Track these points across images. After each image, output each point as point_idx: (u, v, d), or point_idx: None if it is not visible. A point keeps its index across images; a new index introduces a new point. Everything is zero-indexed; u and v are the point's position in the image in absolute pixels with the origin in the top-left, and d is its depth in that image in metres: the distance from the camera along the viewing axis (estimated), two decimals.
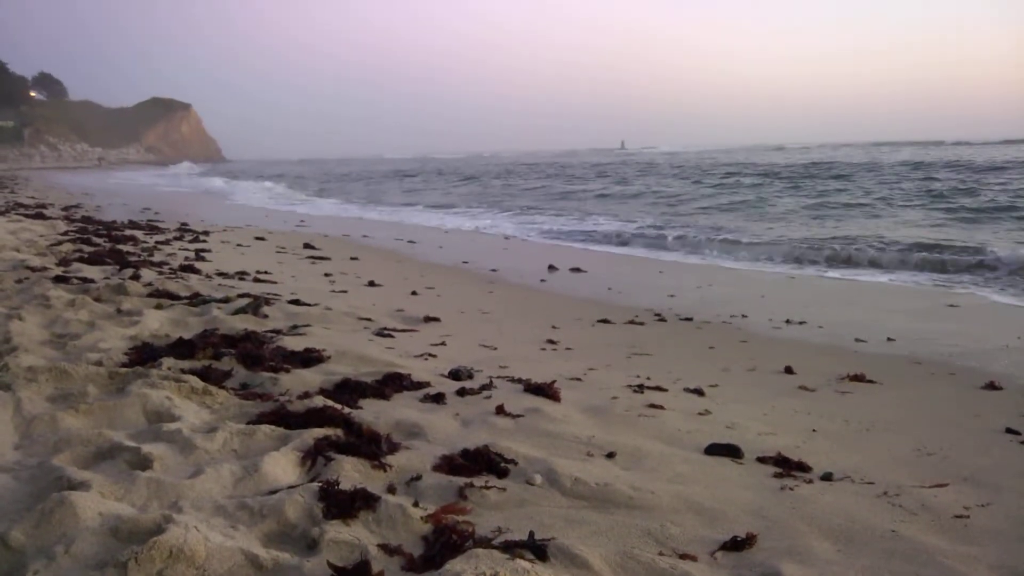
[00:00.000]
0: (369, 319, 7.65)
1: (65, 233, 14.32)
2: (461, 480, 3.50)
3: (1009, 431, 4.89)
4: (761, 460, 4.13)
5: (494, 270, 13.28)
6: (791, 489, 3.71)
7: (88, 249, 11.77)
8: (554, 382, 5.23)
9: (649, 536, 3.11)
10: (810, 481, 3.86)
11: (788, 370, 6.42)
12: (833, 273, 13.77)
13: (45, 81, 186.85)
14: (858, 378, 6.17)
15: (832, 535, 3.21)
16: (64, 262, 10.04)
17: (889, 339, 7.94)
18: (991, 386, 6.00)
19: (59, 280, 8.31)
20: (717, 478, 3.85)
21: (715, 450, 4.24)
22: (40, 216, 18.42)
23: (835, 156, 64.54)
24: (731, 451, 4.22)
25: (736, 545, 3.04)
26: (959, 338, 8.06)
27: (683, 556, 2.95)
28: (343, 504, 3.09)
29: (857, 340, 7.87)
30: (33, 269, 9.13)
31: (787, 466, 4.04)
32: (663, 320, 8.84)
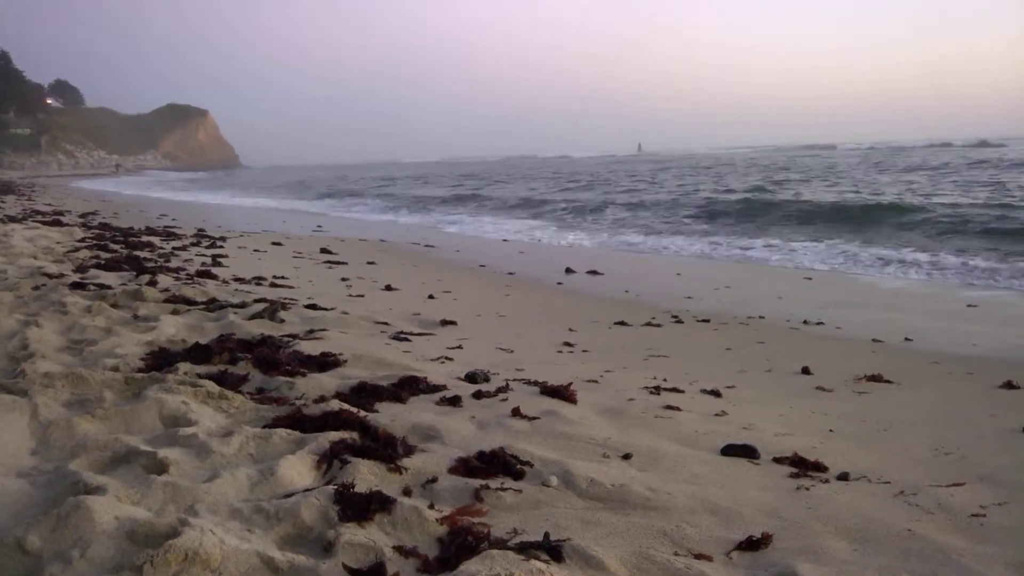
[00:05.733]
0: (386, 323, 7.66)
1: (82, 240, 14.40)
2: (477, 482, 3.50)
3: None
4: (777, 460, 4.11)
5: (511, 273, 13.30)
6: (807, 489, 3.69)
7: (105, 255, 11.84)
8: (570, 384, 5.22)
9: (665, 537, 3.10)
10: (826, 481, 3.84)
11: (805, 371, 6.39)
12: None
13: (61, 88, 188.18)
14: (875, 378, 6.14)
15: (848, 535, 3.19)
16: (81, 268, 10.11)
17: (907, 339, 7.90)
18: (1009, 385, 5.95)
19: (76, 286, 8.36)
20: (733, 479, 3.84)
21: (731, 451, 4.22)
22: (57, 223, 18.52)
23: None
24: (747, 452, 4.19)
25: (752, 545, 3.03)
26: (978, 337, 8.01)
27: (698, 556, 2.94)
28: (359, 507, 3.10)
29: (874, 340, 7.84)
30: (50, 276, 9.18)
31: (803, 466, 4.01)
32: (680, 322, 8.82)
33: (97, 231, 16.78)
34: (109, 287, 8.44)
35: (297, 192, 51.85)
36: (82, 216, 22.59)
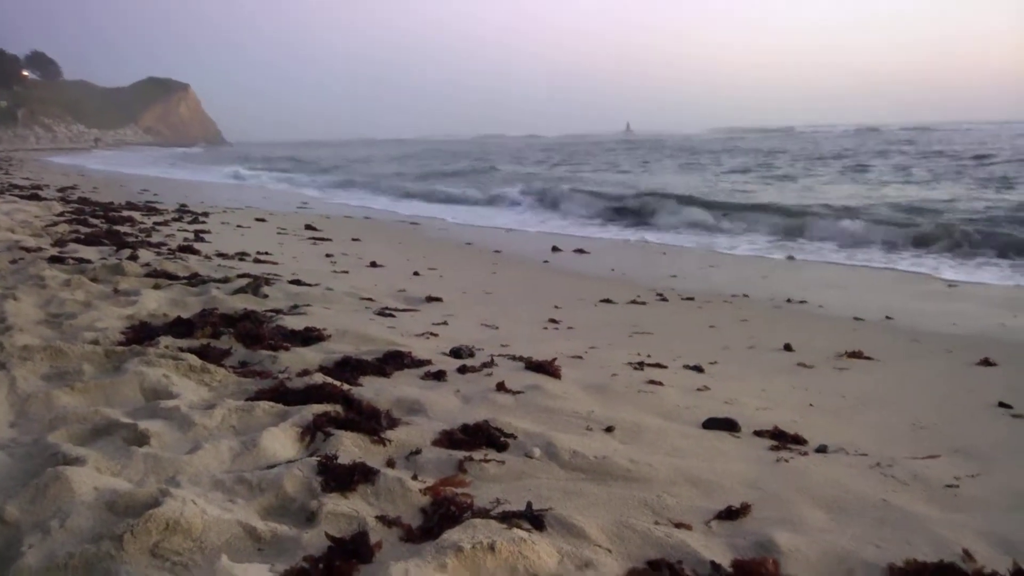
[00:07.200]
0: (370, 299, 7.65)
1: (61, 214, 14.24)
2: (460, 454, 3.50)
3: (1002, 405, 4.91)
4: (758, 434, 4.13)
5: (497, 251, 13.30)
6: (786, 461, 3.72)
7: (84, 230, 11.71)
8: (555, 360, 5.22)
9: (645, 507, 3.12)
10: (805, 454, 3.87)
11: (787, 348, 6.43)
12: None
13: (38, 60, 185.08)
14: (856, 355, 6.18)
15: (825, 504, 3.22)
16: (60, 243, 10.01)
17: (887, 317, 7.96)
18: (986, 362, 6.01)
19: (55, 260, 8.28)
20: (714, 451, 3.86)
21: (713, 424, 4.24)
22: (35, 197, 18.35)
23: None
24: (729, 425, 4.22)
25: (731, 514, 3.05)
26: (957, 317, 8.09)
27: (678, 525, 2.96)
28: (342, 477, 3.10)
29: (856, 319, 7.89)
30: (28, 250, 9.10)
31: (783, 439, 4.05)
32: (665, 300, 8.85)
33: (76, 205, 16.61)
34: (89, 261, 8.37)
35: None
36: (61, 191, 22.39)
